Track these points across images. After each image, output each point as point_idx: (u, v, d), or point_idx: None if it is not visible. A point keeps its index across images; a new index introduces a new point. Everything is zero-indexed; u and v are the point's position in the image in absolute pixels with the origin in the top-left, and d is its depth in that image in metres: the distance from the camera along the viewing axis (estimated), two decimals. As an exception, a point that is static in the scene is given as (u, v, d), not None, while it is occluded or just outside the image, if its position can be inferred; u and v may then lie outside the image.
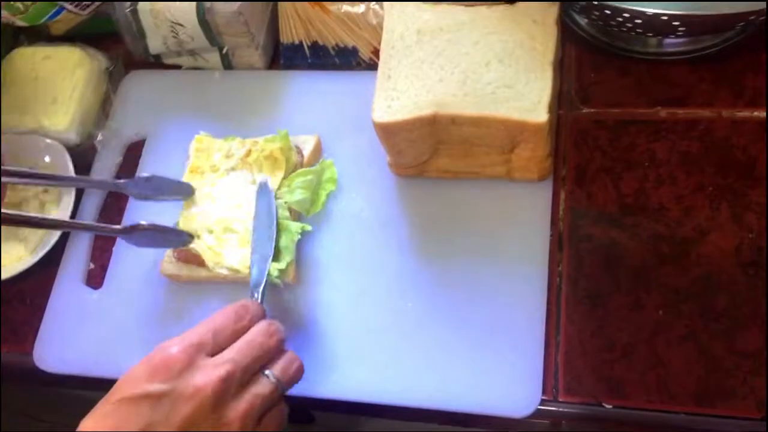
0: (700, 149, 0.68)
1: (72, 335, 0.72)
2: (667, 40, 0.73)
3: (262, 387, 0.56)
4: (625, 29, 0.66)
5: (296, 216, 0.71)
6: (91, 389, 0.68)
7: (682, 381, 0.60)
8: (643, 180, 0.68)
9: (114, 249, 0.75)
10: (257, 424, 0.55)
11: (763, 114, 0.69)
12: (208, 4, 0.75)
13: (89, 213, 0.78)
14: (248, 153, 0.72)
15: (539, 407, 0.61)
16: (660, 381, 0.61)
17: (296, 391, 0.65)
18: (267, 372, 0.57)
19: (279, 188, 0.70)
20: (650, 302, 0.63)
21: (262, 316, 0.60)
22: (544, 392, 0.62)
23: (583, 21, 0.75)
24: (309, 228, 0.69)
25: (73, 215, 0.77)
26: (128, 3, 0.77)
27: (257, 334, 0.57)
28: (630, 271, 0.65)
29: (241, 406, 0.53)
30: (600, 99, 0.73)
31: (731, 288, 0.62)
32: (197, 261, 0.70)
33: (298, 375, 0.59)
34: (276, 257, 0.67)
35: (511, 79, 0.62)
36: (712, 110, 0.70)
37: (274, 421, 0.57)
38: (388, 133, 0.64)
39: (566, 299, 0.65)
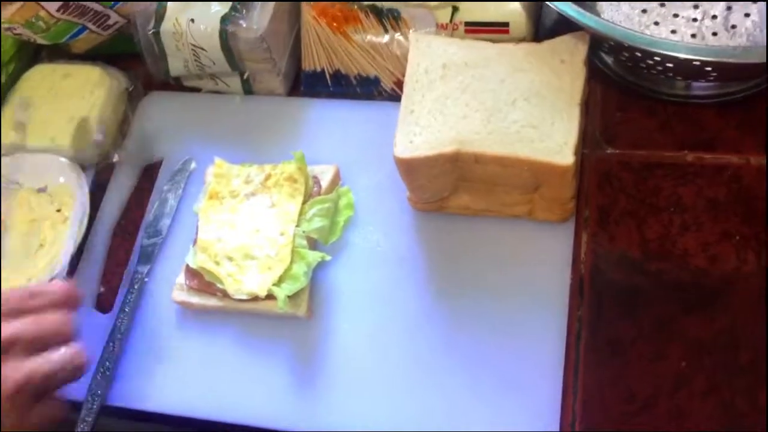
0: (728, 196, 0.67)
1: (79, 360, 0.70)
2: (695, 83, 0.71)
3: (36, 365, 0.55)
4: (654, 71, 0.65)
5: (313, 245, 0.70)
6: (101, 415, 0.67)
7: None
8: (668, 225, 0.66)
9: (125, 274, 0.74)
10: (27, 408, 0.55)
11: (793, 162, 0.67)
12: (231, 28, 0.74)
13: (102, 236, 0.77)
14: (268, 177, 0.71)
15: (555, 457, 0.59)
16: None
17: (307, 427, 0.64)
18: (48, 355, 0.56)
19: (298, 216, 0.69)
20: (673, 353, 0.61)
21: (66, 300, 0.59)
22: (560, 442, 0.60)
23: (609, 60, 0.74)
24: (328, 257, 0.68)
25: (86, 237, 0.76)
26: (151, 25, 0.76)
27: (48, 315, 0.57)
28: (652, 319, 0.63)
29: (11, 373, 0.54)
30: (625, 140, 0.71)
31: (756, 342, 0.61)
32: (210, 290, 0.68)
33: (77, 372, 0.58)
34: (284, 281, 0.66)
35: (536, 118, 0.61)
36: (740, 156, 0.68)
37: (43, 412, 0.56)
38: (410, 168, 0.63)
39: (585, 346, 0.63)
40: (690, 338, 0.62)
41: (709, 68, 0.60)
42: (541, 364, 0.62)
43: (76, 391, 0.68)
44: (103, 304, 0.74)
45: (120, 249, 0.76)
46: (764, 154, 0.68)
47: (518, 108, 0.62)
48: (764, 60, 0.56)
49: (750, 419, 0.58)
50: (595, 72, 0.74)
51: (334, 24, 0.76)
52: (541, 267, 0.66)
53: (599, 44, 0.66)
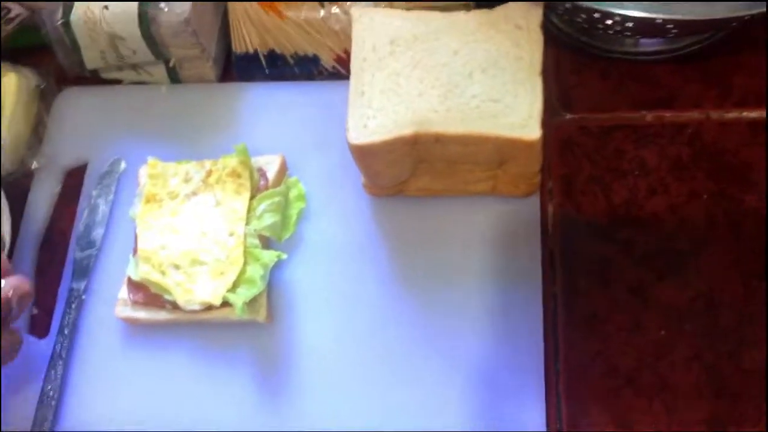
0: (691, 154, 0.65)
1: (19, 392, 0.64)
2: (644, 40, 0.69)
3: None
4: (612, 32, 0.62)
5: (266, 243, 0.65)
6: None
7: (692, 406, 0.57)
8: (634, 189, 0.64)
9: (59, 291, 0.68)
10: None
11: (753, 115, 0.65)
12: (152, 13, 0.67)
13: (28, 252, 0.70)
14: (209, 174, 0.66)
15: (543, 442, 0.57)
16: (668, 407, 0.57)
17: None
18: None
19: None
20: (651, 322, 0.60)
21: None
22: (548, 425, 0.57)
23: (557, 20, 0.71)
24: (284, 255, 0.63)
25: (10, 254, 0.68)
26: (59, 14, 0.69)
27: None
28: (626, 289, 0.61)
29: None
30: (582, 104, 0.68)
31: (734, 302, 0.59)
32: (157, 303, 0.63)
33: (11, 354, 0.59)
34: (239, 286, 0.61)
35: (497, 91, 0.57)
36: (699, 112, 0.67)
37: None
38: (366, 155, 0.59)
39: (562, 322, 0.61)
40: (666, 305, 0.60)
41: (670, 25, 0.57)
42: (518, 348, 0.60)
43: (20, 424, 0.62)
44: (39, 328, 0.67)
45: (50, 265, 0.69)
46: (723, 107, 0.66)
47: (476, 81, 0.58)
48: (730, 15, 0.54)
49: (736, 381, 0.57)
50: (545, 35, 0.70)
51: (264, 1, 0.70)
52: (509, 244, 0.63)
53: (554, 6, 0.63)
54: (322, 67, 0.72)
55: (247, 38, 0.72)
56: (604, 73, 0.69)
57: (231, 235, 0.63)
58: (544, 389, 0.58)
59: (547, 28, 0.69)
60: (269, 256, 0.62)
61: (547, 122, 0.67)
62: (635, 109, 0.67)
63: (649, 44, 0.69)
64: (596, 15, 0.58)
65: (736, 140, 0.65)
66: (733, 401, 0.57)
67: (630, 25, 0.58)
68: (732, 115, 0.66)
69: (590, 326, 0.61)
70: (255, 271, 0.61)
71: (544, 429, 0.57)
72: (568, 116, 0.68)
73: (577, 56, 0.70)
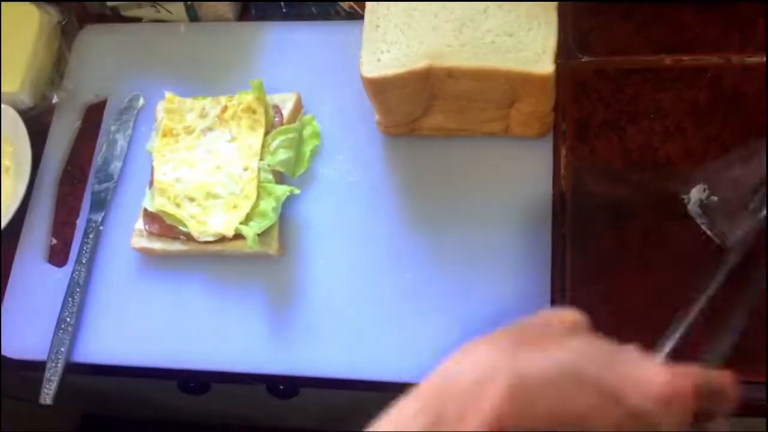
0: (709, 98, 0.64)
1: (37, 318, 0.66)
2: (671, -19, 0.68)
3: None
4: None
5: (280, 178, 0.66)
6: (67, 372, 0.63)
7: (700, 345, 0.57)
8: (649, 133, 0.64)
9: (77, 223, 0.69)
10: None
11: (775, 59, 0.64)
12: (169, -52, 0.67)
13: (48, 184, 0.71)
14: (224, 109, 0.66)
15: (547, 379, 0.58)
16: (676, 348, 0.57)
17: (286, 370, 0.61)
18: None
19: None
20: (660, 263, 0.60)
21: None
22: (551, 363, 0.58)
23: (579, -39, 0.70)
24: (297, 190, 0.63)
25: (30, 187, 0.70)
26: (80, -51, 0.69)
27: None
28: (638, 230, 0.61)
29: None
30: (600, 47, 0.67)
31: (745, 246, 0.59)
32: (172, 233, 0.64)
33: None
34: (251, 219, 0.62)
35: (512, 26, 0.57)
36: (719, 56, 0.65)
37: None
38: (378, 89, 0.59)
39: (571, 262, 0.61)
40: (678, 247, 0.60)
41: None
42: (527, 286, 0.60)
43: (38, 350, 0.64)
44: (57, 257, 0.69)
45: (69, 197, 0.71)
46: (744, 52, 0.65)
47: (491, 15, 0.57)
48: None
49: (751, 324, 0.57)
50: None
51: (283, -62, 0.70)
52: (521, 185, 0.63)
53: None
54: (340, 8, 0.72)
55: (265, -23, 0.72)
56: (624, 16, 0.68)
57: (245, 169, 0.64)
58: (551, 327, 0.59)
59: (568, -32, 0.69)
60: (282, 190, 0.63)
61: (563, 65, 0.67)
62: (654, 53, 0.66)
63: (672, -13, 0.68)
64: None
65: (756, 85, 0.64)
66: (748, 342, 0.56)
67: (649, -39, 0.57)
68: (753, 60, 0.65)
69: (599, 267, 0.60)
70: (267, 205, 0.62)
71: (549, 366, 0.58)
72: (585, 59, 0.67)
73: (597, -1, 0.69)
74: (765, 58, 0.64)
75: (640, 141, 0.64)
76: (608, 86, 0.66)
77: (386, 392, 0.61)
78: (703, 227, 0.60)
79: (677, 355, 0.51)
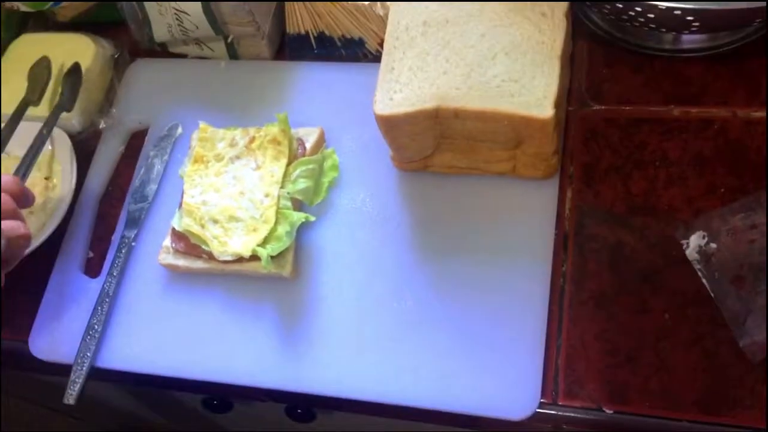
0: (713, 149, 0.66)
1: (69, 324, 0.71)
2: (684, 37, 0.70)
3: None
4: (637, 24, 0.64)
5: (298, 206, 0.70)
6: (90, 377, 0.68)
7: (687, 387, 0.58)
8: (653, 180, 0.66)
9: (113, 238, 0.75)
10: None
11: (780, 114, 0.66)
12: (213, -9, 0.74)
13: (90, 202, 0.77)
14: (252, 140, 0.71)
15: (538, 410, 0.60)
16: (663, 387, 0.59)
17: (293, 386, 0.65)
18: None
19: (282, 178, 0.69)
20: (656, 306, 0.61)
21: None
22: (543, 395, 0.60)
23: (595, 16, 0.73)
24: (312, 218, 0.68)
25: (74, 203, 0.76)
26: (133, -10, 0.76)
27: None
28: (636, 273, 0.63)
29: None
30: (611, 96, 0.71)
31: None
32: (195, 252, 0.69)
33: (22, 242, 0.62)
34: (268, 242, 0.66)
35: (517, 72, 0.60)
36: (726, 109, 0.68)
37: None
38: (390, 125, 0.63)
39: (569, 300, 0.63)
40: (674, 291, 0.62)
41: (690, 17, 0.59)
42: (526, 319, 0.62)
43: (66, 354, 0.69)
44: (92, 269, 0.74)
45: (108, 215, 0.77)
46: (751, 107, 0.67)
47: (499, 63, 0.61)
48: (747, 6, 0.55)
49: (734, 369, 0.58)
50: (581, 29, 0.73)
51: (318, -14, 0.76)
52: (526, 224, 0.66)
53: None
54: (367, 50, 0.77)
55: (300, 20, 0.77)
56: (635, 69, 0.71)
57: (266, 196, 0.68)
58: (544, 362, 0.61)
59: (582, 21, 0.73)
60: (297, 217, 0.67)
61: (574, 112, 0.70)
62: (663, 104, 0.69)
63: (684, 42, 0.70)
64: (619, 5, 0.61)
65: (760, 138, 0.66)
66: (728, 386, 0.58)
67: (652, 16, 0.60)
68: (758, 114, 0.67)
69: (596, 305, 0.63)
70: (283, 229, 0.66)
71: (539, 399, 0.60)
72: (596, 107, 0.70)
73: (611, 51, 0.72)
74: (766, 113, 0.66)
75: (644, 187, 0.66)
76: (617, 134, 0.69)
77: (384, 416, 0.65)
78: (700, 274, 0.62)
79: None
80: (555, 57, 0.60)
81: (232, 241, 0.67)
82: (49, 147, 0.78)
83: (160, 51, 0.83)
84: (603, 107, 0.70)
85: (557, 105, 0.59)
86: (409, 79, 0.62)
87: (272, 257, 0.65)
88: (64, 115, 0.78)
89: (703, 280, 0.61)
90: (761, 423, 0.56)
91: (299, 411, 0.79)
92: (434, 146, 0.66)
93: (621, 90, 0.71)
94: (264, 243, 0.66)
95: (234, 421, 1.00)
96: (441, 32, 0.64)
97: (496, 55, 0.62)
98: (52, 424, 1.19)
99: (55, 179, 0.77)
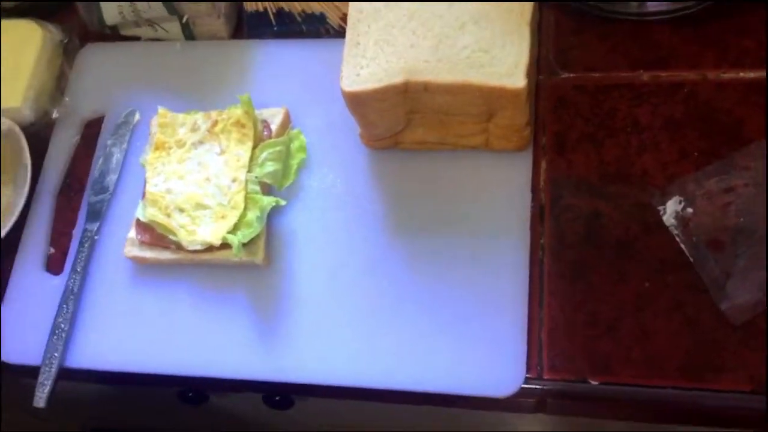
0: (684, 113, 0.66)
1: (34, 324, 0.68)
2: (649, 1, 0.69)
3: None
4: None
5: (266, 190, 0.68)
6: (60, 378, 0.65)
7: (670, 354, 0.58)
8: (625, 147, 0.65)
9: (74, 232, 0.72)
10: None
11: (749, 75, 0.66)
12: (164, -31, 0.70)
13: (46, 196, 0.74)
14: (215, 124, 0.69)
15: (523, 386, 0.59)
16: (646, 355, 0.59)
17: (271, 376, 0.63)
18: None
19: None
20: (636, 274, 0.61)
21: None
22: (528, 370, 0.59)
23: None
24: (283, 202, 0.66)
25: (29, 198, 0.72)
26: (80, -30, 0.73)
27: None
28: (614, 242, 0.62)
29: None
30: (579, 63, 0.70)
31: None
32: (162, 243, 0.66)
33: None
34: (238, 228, 0.64)
35: (487, 42, 0.59)
36: (696, 72, 0.67)
37: None
38: (358, 102, 0.61)
39: (549, 273, 0.62)
40: (652, 258, 0.61)
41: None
42: (505, 295, 0.61)
43: (34, 355, 0.66)
44: (54, 266, 0.71)
45: (67, 209, 0.74)
46: (720, 68, 0.67)
47: (467, 32, 0.59)
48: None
49: (716, 333, 0.58)
50: (546, -5, 0.72)
51: (274, -40, 0.73)
52: (500, 198, 0.65)
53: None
54: (329, 26, 0.74)
55: (257, -4, 0.75)
56: (603, 35, 0.70)
57: (233, 181, 0.66)
58: (527, 337, 0.60)
59: (548, -12, 0.71)
60: (267, 201, 0.65)
61: (543, 81, 0.69)
62: (632, 69, 0.68)
63: (650, 5, 0.69)
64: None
65: (731, 100, 0.65)
66: (711, 351, 0.57)
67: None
68: (728, 75, 0.66)
69: (576, 277, 0.62)
70: (253, 215, 0.64)
71: (524, 374, 0.59)
72: (564, 75, 0.69)
73: (578, 18, 0.71)
74: (739, 74, 0.66)
75: (617, 154, 0.65)
76: (587, 101, 0.68)
77: (368, 399, 0.64)
78: (678, 239, 0.61)
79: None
80: (525, 24, 0.59)
81: (201, 230, 0.65)
82: (1, 140, 0.74)
83: (111, 34, 0.80)
84: (572, 75, 0.69)
85: (529, 74, 0.58)
86: (376, 53, 0.60)
87: (243, 244, 0.63)
88: (13, 106, 0.74)
89: (682, 246, 0.61)
90: (745, 386, 0.56)
91: (277, 399, 0.77)
92: (404, 122, 0.64)
93: (589, 57, 0.70)
94: (234, 230, 0.64)
95: (210, 412, 0.98)
96: (406, 3, 0.62)
97: (464, 24, 0.60)
98: (20, 426, 1.16)
99: (8, 173, 0.74)
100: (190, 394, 0.82)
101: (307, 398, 0.78)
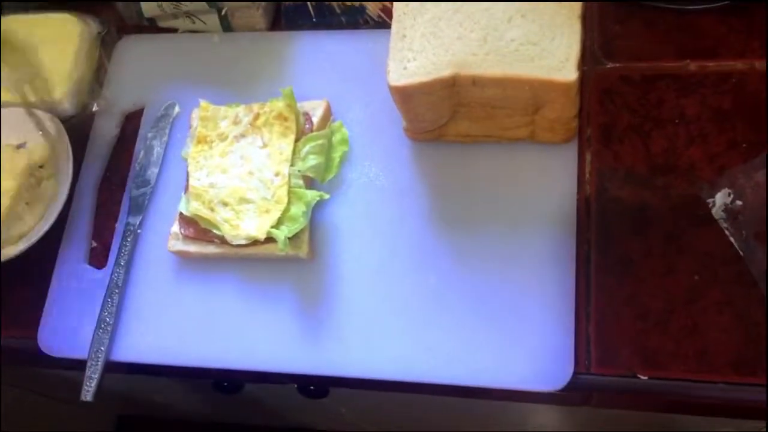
0: (732, 103, 0.65)
1: (77, 318, 0.69)
2: (694, -11, 0.68)
3: None
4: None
5: (309, 184, 0.68)
6: (106, 371, 0.65)
7: (720, 349, 0.58)
8: (673, 138, 0.65)
9: (116, 226, 0.72)
10: None
11: (799, 64, 0.65)
12: (204, -39, 0.70)
13: (88, 189, 0.74)
14: (256, 117, 0.69)
15: (571, 379, 0.59)
16: (697, 350, 0.58)
17: (316, 370, 0.63)
18: None
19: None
20: (684, 267, 0.60)
21: None
22: (576, 364, 0.59)
23: (604, -30, 0.71)
24: (327, 195, 0.65)
25: (71, 192, 0.73)
26: (119, -37, 0.72)
27: None
28: (662, 234, 0.62)
29: None
30: (625, 53, 0.69)
31: (769, 250, 0.60)
32: (206, 237, 0.66)
33: None
34: (283, 223, 0.64)
35: (536, 35, 0.58)
36: (744, 62, 0.66)
37: None
38: (405, 96, 0.61)
39: (596, 267, 0.62)
40: (702, 251, 0.61)
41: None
42: (552, 290, 0.61)
43: (78, 349, 0.67)
44: (97, 260, 0.71)
45: (109, 202, 0.74)
46: (768, 57, 0.66)
47: (515, 25, 0.59)
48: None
49: (766, 327, 0.57)
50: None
51: (313, -50, 0.72)
52: (546, 190, 0.64)
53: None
54: (368, 17, 0.74)
55: (296, -12, 0.74)
56: (648, 23, 0.69)
57: (276, 175, 0.66)
58: (574, 331, 0.60)
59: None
60: (311, 195, 0.65)
61: (588, 71, 0.68)
62: (678, 59, 0.67)
63: (697, -6, 0.68)
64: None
65: (781, 90, 0.64)
66: (761, 345, 0.57)
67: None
68: (778, 65, 0.65)
69: (623, 271, 0.61)
70: (298, 209, 0.64)
71: (572, 369, 0.59)
72: (610, 65, 0.68)
73: (623, 6, 0.70)
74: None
75: (664, 146, 0.65)
76: (633, 92, 0.67)
77: (412, 392, 0.64)
78: (727, 232, 0.61)
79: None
80: (575, 16, 0.58)
81: (245, 224, 0.65)
82: (41, 134, 0.74)
83: (149, 26, 0.79)
84: (617, 65, 0.68)
85: (579, 67, 0.57)
86: (423, 46, 0.60)
87: (288, 238, 0.63)
88: (53, 99, 0.74)
89: (731, 239, 0.60)
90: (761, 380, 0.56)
91: (312, 388, 0.77)
92: (450, 115, 0.63)
93: (635, 46, 0.69)
94: (278, 224, 0.64)
95: (243, 399, 0.99)
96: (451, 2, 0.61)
97: (512, 17, 0.59)
98: (52, 412, 1.17)
99: (49, 167, 0.74)
100: (225, 384, 0.83)
101: (342, 387, 0.78)
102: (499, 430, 0.95)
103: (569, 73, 0.56)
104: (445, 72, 0.58)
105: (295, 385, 0.76)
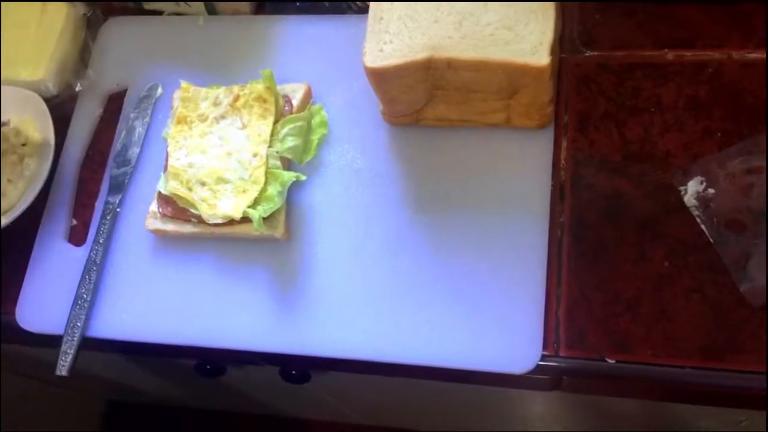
0: (709, 93, 0.65)
1: (56, 294, 0.69)
2: (674, -22, 0.69)
3: None
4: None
5: (287, 165, 0.68)
6: (82, 347, 0.66)
7: (689, 334, 0.58)
8: (648, 126, 0.65)
9: (96, 205, 0.72)
10: None
11: (775, 55, 0.65)
12: (188, -57, 0.70)
13: (69, 168, 0.75)
14: (236, 98, 0.69)
15: (540, 363, 0.59)
16: (666, 335, 0.59)
17: (290, 349, 0.64)
18: None
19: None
20: (656, 254, 0.61)
21: None
22: (544, 347, 0.59)
23: (585, -42, 0.71)
24: (303, 176, 0.66)
25: (53, 170, 0.73)
26: (104, -57, 0.73)
27: None
28: (634, 221, 0.62)
29: None
30: (604, 42, 0.69)
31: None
32: (184, 216, 0.67)
33: None
34: (259, 203, 0.64)
35: (511, 19, 0.58)
36: (721, 52, 0.66)
37: None
38: (381, 78, 0.61)
39: (568, 251, 0.62)
40: (673, 238, 0.61)
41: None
42: (524, 273, 0.62)
43: (56, 325, 0.67)
44: (77, 237, 0.72)
45: (90, 181, 0.74)
46: (746, 48, 0.66)
47: (491, 10, 0.59)
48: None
49: (735, 314, 0.58)
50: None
51: (297, -66, 0.73)
52: (521, 175, 0.65)
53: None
54: (352, 2, 0.74)
55: (280, -29, 0.75)
56: (627, 13, 0.70)
57: (254, 155, 0.66)
58: (544, 313, 0.60)
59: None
60: (288, 176, 0.65)
61: (566, 59, 0.69)
62: (656, 48, 0.68)
63: (675, -16, 0.69)
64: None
65: (756, 81, 0.65)
66: (730, 332, 0.57)
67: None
68: (754, 56, 0.66)
69: (595, 256, 0.62)
70: (274, 189, 0.65)
71: (541, 351, 0.59)
72: (588, 53, 0.69)
73: (602, -5, 0.71)
74: (765, 55, 0.65)
75: (640, 134, 0.65)
76: (610, 80, 0.67)
77: (385, 374, 0.64)
78: (699, 220, 0.61)
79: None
80: (550, 2, 0.58)
81: (222, 204, 0.65)
82: (25, 112, 0.75)
83: (134, 8, 0.80)
84: (596, 53, 0.69)
85: (552, 52, 0.58)
86: (399, 29, 0.60)
87: (264, 219, 0.64)
88: (37, 78, 0.75)
89: (702, 226, 0.61)
90: (764, 367, 0.56)
91: (293, 372, 0.78)
92: (426, 98, 0.64)
93: (613, 35, 0.69)
94: (254, 204, 0.65)
95: (227, 384, 1.00)
96: (430, -20, 0.62)
97: (488, 2, 0.60)
98: (42, 396, 1.18)
99: (32, 146, 0.74)
100: (208, 367, 0.83)
101: (325, 372, 0.79)
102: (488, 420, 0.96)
103: (542, 58, 0.57)
104: (421, 54, 0.59)
105: (278, 369, 0.76)
